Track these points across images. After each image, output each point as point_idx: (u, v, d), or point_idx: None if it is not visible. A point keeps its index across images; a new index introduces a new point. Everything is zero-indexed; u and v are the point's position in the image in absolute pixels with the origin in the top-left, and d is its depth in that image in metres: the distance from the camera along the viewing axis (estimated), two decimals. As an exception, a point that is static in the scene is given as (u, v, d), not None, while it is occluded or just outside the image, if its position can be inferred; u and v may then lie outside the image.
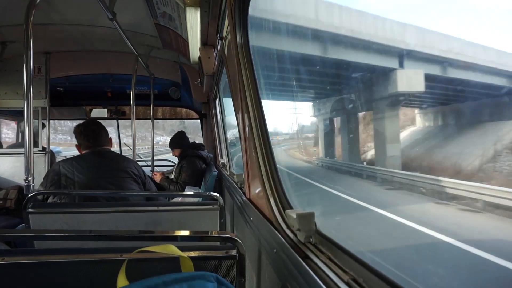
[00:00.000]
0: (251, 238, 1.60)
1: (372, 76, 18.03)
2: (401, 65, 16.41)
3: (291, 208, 1.30)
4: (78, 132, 2.51)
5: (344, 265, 0.88)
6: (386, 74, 16.36)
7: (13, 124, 5.39)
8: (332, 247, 0.96)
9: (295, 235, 1.14)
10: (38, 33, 2.20)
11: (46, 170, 3.82)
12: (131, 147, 4.55)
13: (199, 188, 3.66)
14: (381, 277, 0.75)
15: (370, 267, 0.79)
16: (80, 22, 3.35)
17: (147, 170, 3.63)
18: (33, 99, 2.05)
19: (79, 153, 2.57)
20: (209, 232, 1.19)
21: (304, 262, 0.95)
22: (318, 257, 0.96)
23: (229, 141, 3.87)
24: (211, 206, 1.99)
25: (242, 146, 1.88)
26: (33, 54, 2.02)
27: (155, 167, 4.75)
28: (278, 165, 1.51)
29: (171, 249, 0.95)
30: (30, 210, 1.83)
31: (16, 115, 4.95)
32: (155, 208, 1.97)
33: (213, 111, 4.49)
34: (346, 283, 0.81)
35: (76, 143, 2.59)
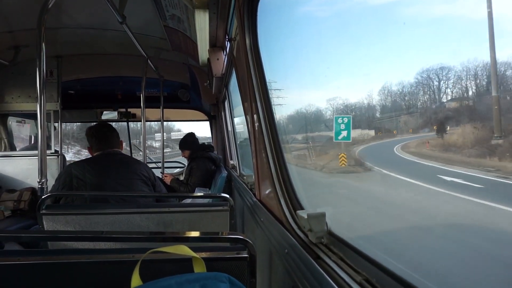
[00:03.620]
0: (261, 239, 1.60)
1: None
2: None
3: (301, 208, 1.30)
4: (90, 134, 2.55)
5: (357, 265, 0.87)
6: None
7: (26, 127, 5.47)
8: (344, 247, 0.96)
9: (306, 235, 1.14)
10: (50, 37, 2.23)
11: (58, 172, 3.88)
12: (141, 149, 4.59)
13: (209, 189, 3.68)
14: (394, 277, 0.75)
15: (383, 267, 0.79)
16: (91, 25, 3.40)
17: (157, 171, 3.65)
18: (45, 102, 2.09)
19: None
20: (220, 233, 1.19)
21: (316, 262, 0.95)
22: (329, 258, 0.96)
23: (238, 142, 3.87)
24: (221, 207, 1.99)
25: (252, 147, 1.88)
26: (45, 58, 2.05)
27: (165, 169, 4.78)
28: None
29: (184, 250, 0.95)
30: (43, 211, 1.86)
31: (28, 118, 5.03)
32: (166, 209, 1.98)
33: (222, 113, 4.50)
34: (359, 284, 0.80)
35: (88, 145, 2.62)
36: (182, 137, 4.47)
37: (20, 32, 3.30)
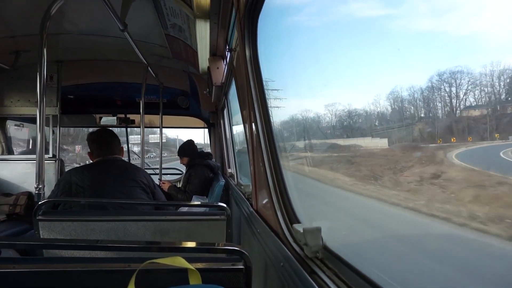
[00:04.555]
0: (258, 250, 1.60)
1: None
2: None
3: (298, 222, 1.30)
4: (91, 139, 2.55)
5: (351, 281, 0.87)
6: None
7: (24, 131, 5.46)
8: (339, 263, 0.96)
9: (302, 249, 1.14)
10: (51, 43, 2.24)
11: (56, 177, 3.87)
12: (139, 155, 4.59)
13: (206, 197, 3.67)
14: None
15: (376, 284, 0.79)
16: (92, 32, 3.42)
17: (155, 178, 3.65)
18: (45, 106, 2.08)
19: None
20: (216, 243, 1.19)
21: (310, 277, 0.95)
22: (324, 273, 0.96)
23: (237, 150, 3.87)
24: (218, 217, 1.99)
25: (250, 156, 1.89)
26: (46, 63, 2.05)
27: (162, 175, 4.78)
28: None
29: (180, 262, 0.95)
30: (40, 217, 1.86)
31: (26, 122, 5.03)
32: (163, 217, 1.97)
33: (221, 121, 4.51)
34: None
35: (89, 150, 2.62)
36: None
37: (21, 37, 3.32)
